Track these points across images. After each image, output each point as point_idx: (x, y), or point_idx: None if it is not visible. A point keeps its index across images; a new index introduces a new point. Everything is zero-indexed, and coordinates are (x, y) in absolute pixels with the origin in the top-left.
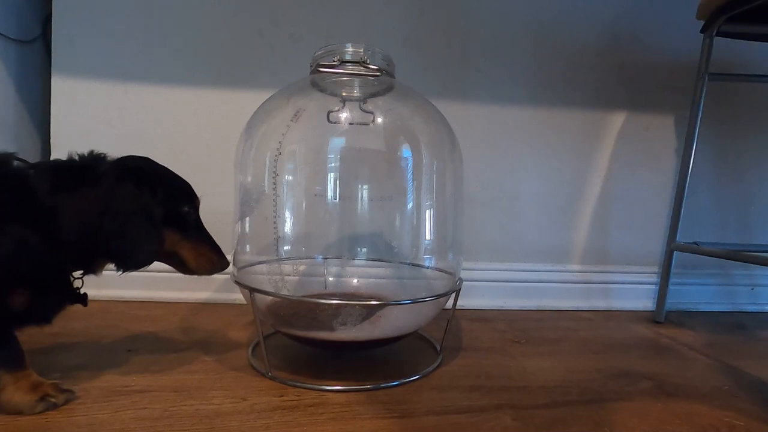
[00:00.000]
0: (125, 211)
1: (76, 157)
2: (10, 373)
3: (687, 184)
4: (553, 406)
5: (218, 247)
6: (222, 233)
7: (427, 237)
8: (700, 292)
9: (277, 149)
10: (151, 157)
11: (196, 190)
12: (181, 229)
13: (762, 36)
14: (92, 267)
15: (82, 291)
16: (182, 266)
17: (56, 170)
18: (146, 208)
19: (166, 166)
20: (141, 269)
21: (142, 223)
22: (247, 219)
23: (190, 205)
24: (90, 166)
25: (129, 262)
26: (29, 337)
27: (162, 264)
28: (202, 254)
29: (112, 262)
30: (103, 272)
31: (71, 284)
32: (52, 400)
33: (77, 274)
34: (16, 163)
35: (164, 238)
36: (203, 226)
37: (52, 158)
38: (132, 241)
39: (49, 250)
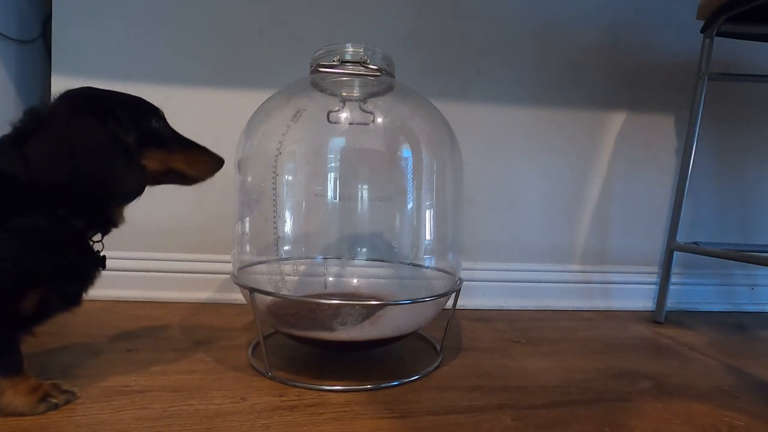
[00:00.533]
0: (93, 146)
1: (18, 122)
2: (8, 378)
3: (687, 184)
4: (553, 406)
5: (206, 148)
6: (222, 233)
7: (427, 237)
8: (700, 292)
9: (277, 149)
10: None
11: (194, 190)
12: (161, 145)
13: (762, 36)
14: (109, 218)
15: (102, 253)
16: (183, 179)
17: (12, 143)
18: (114, 137)
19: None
20: (133, 200)
21: (115, 153)
22: (247, 219)
23: (157, 118)
24: (37, 117)
25: (120, 195)
26: (29, 337)
27: (162, 264)
28: (195, 160)
29: (104, 201)
30: (108, 266)
31: (93, 251)
32: (53, 400)
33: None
34: None
35: (142, 162)
36: (180, 134)
37: None
38: (112, 174)
39: (55, 226)
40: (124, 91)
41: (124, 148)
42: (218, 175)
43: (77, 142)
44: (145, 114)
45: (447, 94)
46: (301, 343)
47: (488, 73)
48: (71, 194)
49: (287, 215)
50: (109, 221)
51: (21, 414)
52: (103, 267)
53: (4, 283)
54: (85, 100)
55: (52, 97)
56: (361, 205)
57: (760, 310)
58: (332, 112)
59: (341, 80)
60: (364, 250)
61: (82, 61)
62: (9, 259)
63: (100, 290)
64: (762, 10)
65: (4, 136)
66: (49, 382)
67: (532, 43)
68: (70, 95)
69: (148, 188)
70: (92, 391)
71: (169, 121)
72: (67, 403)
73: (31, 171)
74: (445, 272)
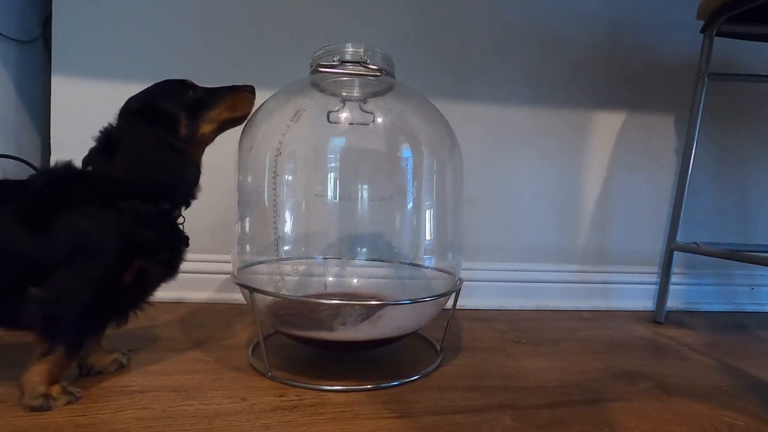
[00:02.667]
0: (150, 153)
1: (98, 137)
2: (63, 352)
3: (687, 184)
4: (553, 406)
5: (235, 86)
6: (222, 233)
7: (427, 237)
8: (700, 292)
9: (277, 149)
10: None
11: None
12: (206, 107)
13: (762, 36)
14: (187, 196)
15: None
16: (236, 121)
17: (101, 153)
18: (163, 139)
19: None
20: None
21: (166, 154)
22: (247, 219)
23: (189, 89)
24: (109, 133)
25: (183, 185)
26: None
27: None
28: (234, 102)
29: (174, 189)
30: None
31: (180, 230)
32: (50, 402)
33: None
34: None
35: (200, 130)
36: (210, 88)
37: (54, 159)
38: (170, 171)
39: (150, 208)
40: (125, 92)
41: (172, 145)
42: (219, 175)
43: (138, 152)
44: (179, 93)
45: (447, 94)
46: (301, 343)
47: (488, 73)
48: (153, 186)
49: (287, 215)
50: (188, 197)
51: (22, 395)
52: (187, 245)
53: (113, 257)
54: (136, 113)
55: (52, 98)
56: (361, 205)
57: (760, 310)
58: (332, 112)
59: (341, 80)
60: (364, 250)
61: (82, 61)
62: (121, 231)
63: None
64: (762, 10)
65: (94, 149)
66: (60, 383)
67: (532, 43)
68: (126, 112)
69: None
70: (92, 391)
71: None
72: (67, 404)
73: (119, 175)
74: (445, 272)
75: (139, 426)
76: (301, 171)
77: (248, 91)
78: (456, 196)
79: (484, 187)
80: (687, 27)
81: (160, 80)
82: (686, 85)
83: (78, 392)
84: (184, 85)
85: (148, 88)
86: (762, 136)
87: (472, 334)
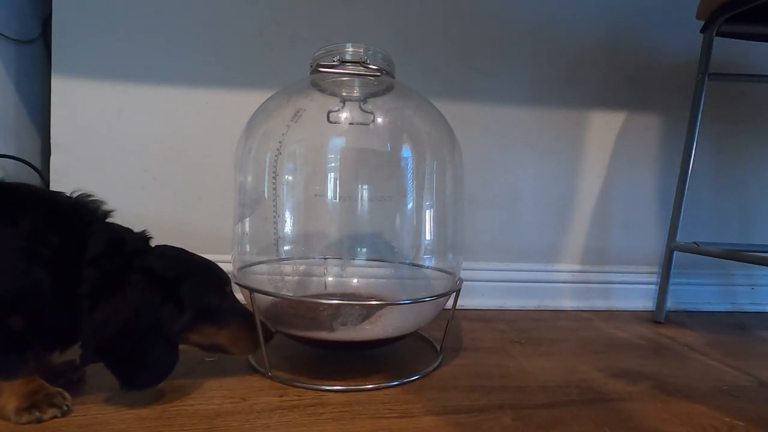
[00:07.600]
0: (141, 332)
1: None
2: (5, 380)
3: (687, 184)
4: (553, 406)
5: (253, 321)
6: (222, 233)
7: (427, 237)
8: (700, 292)
9: (277, 149)
10: (183, 249)
11: (194, 191)
12: (214, 321)
13: (762, 36)
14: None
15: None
16: (220, 352)
17: (109, 247)
18: (162, 327)
19: (193, 254)
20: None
21: (157, 344)
22: (247, 219)
23: (222, 294)
24: (131, 254)
25: (134, 384)
26: None
27: None
28: (239, 338)
29: (116, 378)
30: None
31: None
32: (37, 413)
33: None
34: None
35: (178, 356)
36: (236, 301)
37: (53, 159)
38: (142, 365)
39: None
40: (125, 92)
41: (168, 340)
42: (218, 174)
43: (130, 324)
44: (212, 290)
45: (447, 94)
46: (301, 343)
47: (488, 73)
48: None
49: (287, 215)
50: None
51: (8, 419)
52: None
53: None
54: (159, 277)
55: (52, 98)
56: (361, 205)
57: (760, 310)
58: (332, 112)
59: (341, 80)
60: (364, 250)
61: (82, 61)
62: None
63: None
64: (762, 10)
65: (109, 236)
66: (45, 392)
67: (531, 43)
68: (149, 270)
69: (141, 191)
70: (92, 391)
71: (169, 122)
72: (53, 418)
73: (95, 325)
74: (445, 272)
75: (139, 426)
76: (301, 171)
77: (258, 341)
78: (456, 196)
79: (484, 187)
80: (687, 27)
81: (156, 83)
82: (686, 85)
83: (69, 404)
84: (220, 286)
85: (194, 260)
86: (762, 136)
87: (472, 334)
